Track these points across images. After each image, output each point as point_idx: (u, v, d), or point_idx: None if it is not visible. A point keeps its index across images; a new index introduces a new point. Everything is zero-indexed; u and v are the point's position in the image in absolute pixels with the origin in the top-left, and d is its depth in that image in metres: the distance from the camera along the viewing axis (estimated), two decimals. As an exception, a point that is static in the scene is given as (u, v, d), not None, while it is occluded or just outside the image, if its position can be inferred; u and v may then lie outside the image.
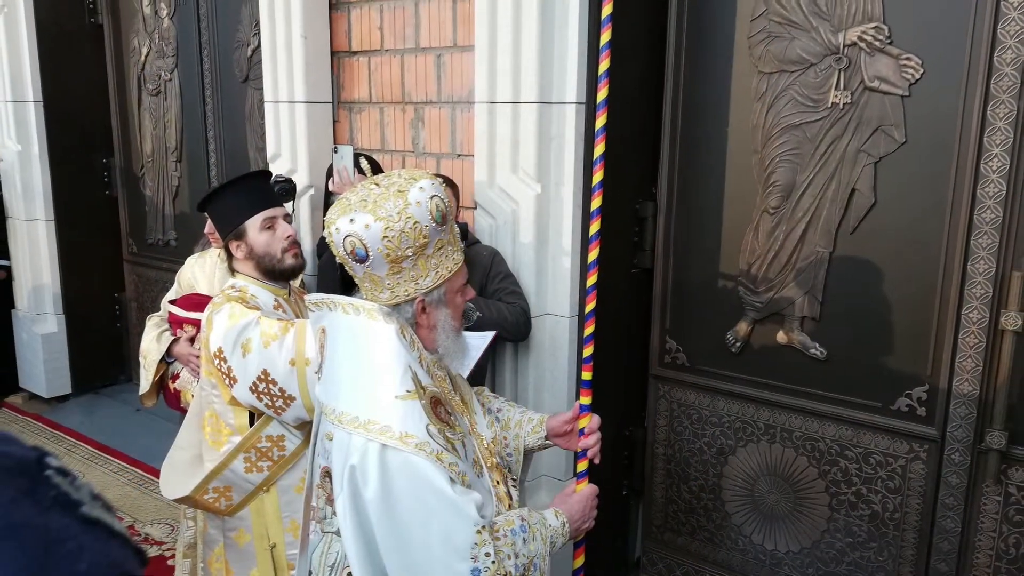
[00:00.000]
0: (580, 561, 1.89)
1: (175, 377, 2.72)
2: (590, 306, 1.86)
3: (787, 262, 2.57)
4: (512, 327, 2.49)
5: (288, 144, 3.22)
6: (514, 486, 1.73)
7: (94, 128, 4.87)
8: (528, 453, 1.80)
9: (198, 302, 2.54)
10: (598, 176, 1.84)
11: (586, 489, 1.72)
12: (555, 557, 1.57)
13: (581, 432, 1.78)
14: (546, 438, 1.77)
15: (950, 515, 2.40)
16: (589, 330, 1.87)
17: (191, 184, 4.48)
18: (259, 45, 3.40)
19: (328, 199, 2.93)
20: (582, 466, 1.78)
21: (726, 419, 2.77)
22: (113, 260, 5.05)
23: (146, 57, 4.58)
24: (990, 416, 2.27)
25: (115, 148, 4.91)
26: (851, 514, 2.56)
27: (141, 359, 2.73)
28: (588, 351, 1.87)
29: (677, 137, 2.73)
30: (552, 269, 2.64)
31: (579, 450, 1.79)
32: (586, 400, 1.79)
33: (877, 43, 2.31)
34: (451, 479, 1.40)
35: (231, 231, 2.12)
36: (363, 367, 1.50)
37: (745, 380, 2.71)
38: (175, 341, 2.63)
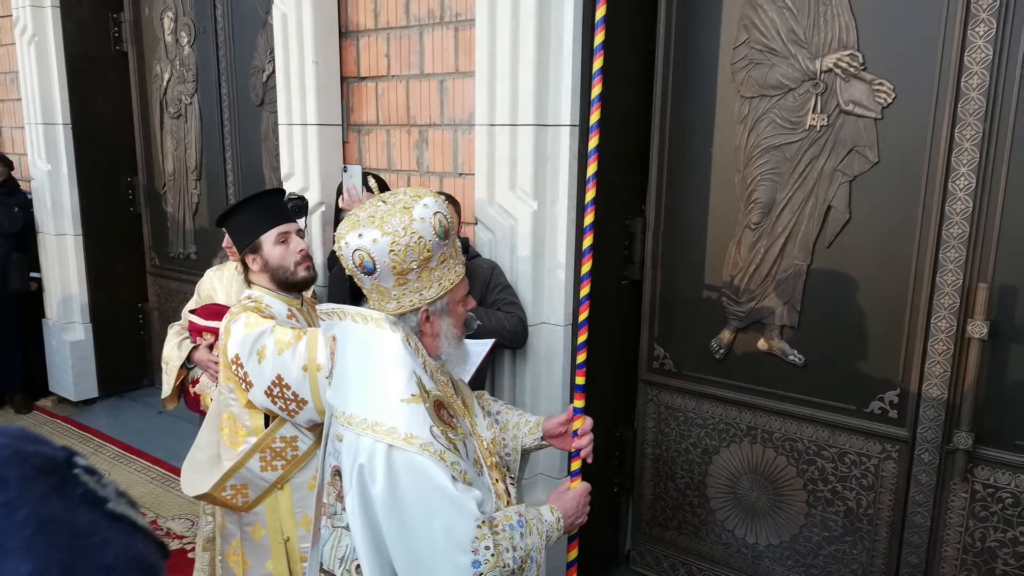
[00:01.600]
0: (574, 554, 1.89)
1: (195, 382, 2.71)
2: (583, 315, 1.87)
3: (767, 274, 2.58)
4: (510, 335, 2.48)
5: (301, 164, 3.22)
6: (512, 484, 1.72)
7: (119, 149, 4.87)
8: (525, 453, 1.79)
9: (217, 311, 2.53)
10: (591, 194, 1.84)
11: (579, 487, 1.72)
12: (551, 550, 1.58)
13: (575, 433, 1.78)
14: (542, 439, 1.77)
15: (920, 511, 2.39)
16: (582, 338, 1.87)
17: (210, 201, 4.48)
18: (274, 71, 3.41)
19: (338, 215, 2.93)
20: (576, 465, 1.79)
21: (710, 421, 2.77)
22: (137, 272, 5.06)
23: (168, 82, 4.59)
24: (957, 418, 2.27)
25: (139, 167, 4.90)
26: (827, 510, 2.55)
27: (163, 365, 2.72)
28: (581, 358, 1.87)
29: (665, 157, 2.74)
30: (548, 281, 2.64)
31: (573, 450, 1.79)
32: (579, 403, 1.79)
33: (852, 69, 2.32)
34: (453, 477, 1.40)
35: (247, 245, 2.12)
36: (371, 372, 1.49)
37: (728, 385, 2.71)
38: (195, 348, 2.63)
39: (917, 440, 2.36)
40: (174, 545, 3.35)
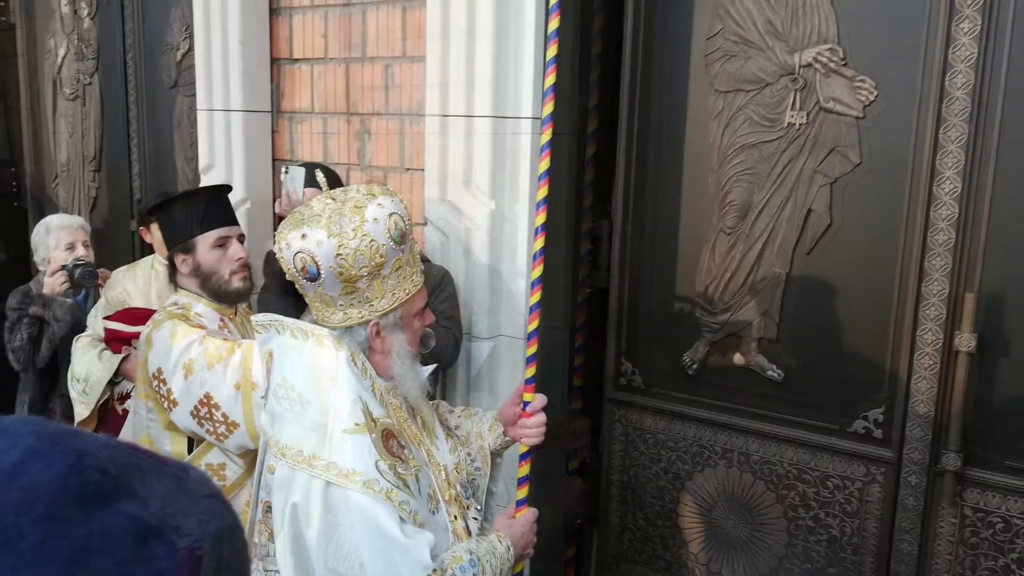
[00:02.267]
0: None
1: (124, 398, 2.67)
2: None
3: (744, 282, 2.60)
4: (439, 353, 2.43)
5: (223, 154, 3.11)
6: (476, 517, 1.71)
7: (1, 133, 4.67)
8: (495, 456, 1.84)
9: (141, 315, 2.46)
10: (542, 192, 1.85)
11: (527, 514, 1.72)
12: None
13: (525, 406, 1.77)
14: (504, 433, 1.82)
15: (907, 538, 2.43)
16: (530, 351, 1.86)
17: (110, 196, 4.30)
18: (190, 49, 3.31)
19: (276, 223, 2.86)
20: (521, 493, 1.79)
21: (683, 443, 2.77)
22: (21, 277, 4.83)
23: (63, 59, 4.40)
24: (946, 438, 2.31)
25: (25, 156, 4.69)
26: (809, 539, 2.60)
27: (75, 383, 2.67)
28: (530, 373, 1.85)
29: (633, 155, 2.74)
30: (506, 289, 2.62)
31: (521, 439, 1.79)
32: (530, 373, 1.79)
33: (832, 64, 2.38)
34: (401, 519, 1.38)
35: (179, 243, 2.07)
36: (309, 397, 1.46)
37: (702, 403, 2.71)
38: (126, 358, 2.58)
39: (903, 461, 2.40)
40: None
